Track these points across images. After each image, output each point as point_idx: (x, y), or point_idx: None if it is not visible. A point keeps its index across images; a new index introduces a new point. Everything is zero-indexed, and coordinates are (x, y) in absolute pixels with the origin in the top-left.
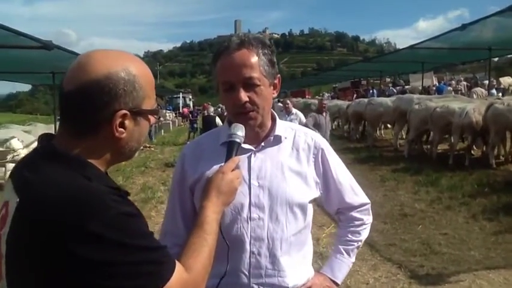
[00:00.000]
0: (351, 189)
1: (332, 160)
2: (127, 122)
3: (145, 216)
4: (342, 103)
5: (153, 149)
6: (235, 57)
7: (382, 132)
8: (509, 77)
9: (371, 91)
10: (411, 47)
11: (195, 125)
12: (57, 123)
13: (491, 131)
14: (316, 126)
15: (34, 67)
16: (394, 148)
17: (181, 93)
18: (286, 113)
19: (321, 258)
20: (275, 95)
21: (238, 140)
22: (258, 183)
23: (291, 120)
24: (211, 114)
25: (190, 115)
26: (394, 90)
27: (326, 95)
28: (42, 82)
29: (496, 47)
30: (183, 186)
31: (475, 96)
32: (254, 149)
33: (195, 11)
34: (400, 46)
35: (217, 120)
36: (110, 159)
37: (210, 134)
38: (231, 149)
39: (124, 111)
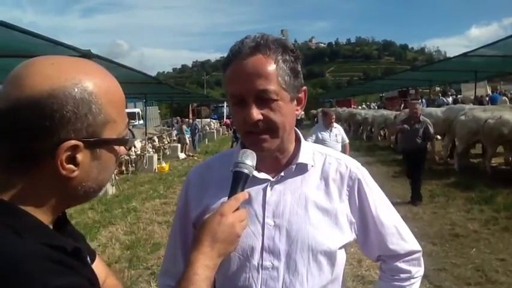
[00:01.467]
0: (397, 232)
1: (372, 194)
2: (80, 156)
3: None
4: (389, 113)
5: (196, 158)
6: (248, 64)
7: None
8: None
9: (420, 101)
10: (464, 54)
11: (238, 135)
12: None
13: None
14: (404, 134)
15: None
16: (444, 161)
17: (225, 103)
18: (328, 126)
19: (362, 283)
20: (299, 112)
21: (245, 171)
22: (274, 222)
23: (335, 136)
24: None
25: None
26: (444, 100)
27: (372, 104)
28: None
29: None
30: (185, 220)
31: None
32: (271, 179)
33: (243, 21)
34: (450, 54)
35: None
36: (57, 205)
37: (221, 157)
38: (236, 182)
39: (74, 142)
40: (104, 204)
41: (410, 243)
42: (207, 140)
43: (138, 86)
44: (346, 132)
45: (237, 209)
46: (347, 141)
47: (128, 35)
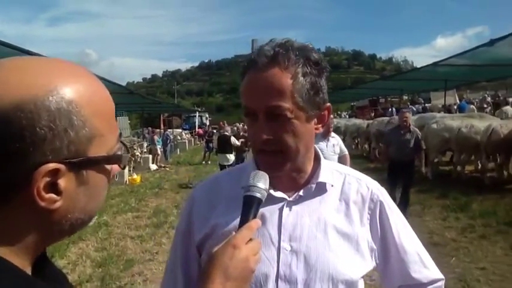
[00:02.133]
0: (419, 259)
1: (394, 218)
2: (62, 182)
3: (156, 243)
4: (361, 122)
5: (168, 169)
6: (261, 77)
7: None
8: None
9: (390, 109)
10: (434, 64)
11: (211, 145)
12: None
13: None
14: (393, 145)
15: None
16: (418, 169)
17: (197, 112)
18: (325, 136)
19: None
20: (319, 130)
21: (258, 195)
22: (291, 246)
23: (332, 146)
24: (227, 133)
25: (206, 135)
26: (414, 109)
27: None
28: None
29: None
30: (188, 243)
31: (504, 116)
32: (288, 199)
33: (214, 30)
34: (417, 64)
35: (233, 139)
36: (37, 243)
37: (230, 173)
38: (247, 207)
39: (53, 165)
40: None
41: (433, 271)
42: (178, 150)
43: None
44: None
45: (250, 239)
46: (346, 152)
47: (97, 44)
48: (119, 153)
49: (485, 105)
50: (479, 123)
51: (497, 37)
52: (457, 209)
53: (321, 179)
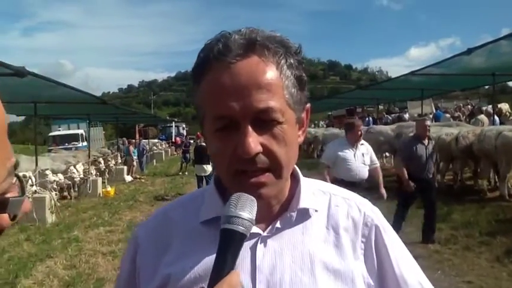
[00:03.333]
0: None
1: (392, 244)
2: None
3: None
4: (339, 131)
5: (143, 180)
6: (240, 70)
7: (385, 160)
8: (505, 104)
9: (367, 119)
10: (411, 73)
11: (188, 155)
12: (38, 156)
13: (501, 160)
14: (414, 160)
15: (13, 96)
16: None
17: (174, 123)
18: (353, 142)
19: None
20: (301, 139)
21: (241, 229)
22: None
23: (362, 156)
24: (204, 144)
25: (183, 145)
26: (390, 118)
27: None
28: (26, 113)
29: (500, 72)
30: None
31: (480, 124)
32: (262, 234)
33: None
34: (392, 74)
35: None
36: None
37: (183, 203)
38: (226, 246)
39: None
40: (42, 234)
41: None
42: (155, 161)
43: (80, 106)
44: None
45: None
46: (377, 163)
47: (71, 54)
48: (8, 195)
49: (459, 114)
50: (454, 130)
51: (474, 46)
52: (439, 219)
53: (302, 203)
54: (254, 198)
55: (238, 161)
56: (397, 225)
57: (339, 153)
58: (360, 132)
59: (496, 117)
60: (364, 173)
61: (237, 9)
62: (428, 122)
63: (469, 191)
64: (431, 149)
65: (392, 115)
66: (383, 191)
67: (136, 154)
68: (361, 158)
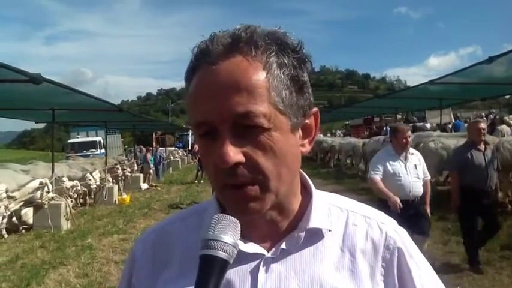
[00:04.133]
0: None
1: (418, 270)
2: None
3: None
4: (356, 141)
5: (159, 188)
6: (219, 71)
7: None
8: None
9: (384, 128)
10: (430, 82)
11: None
12: (55, 162)
13: None
14: (471, 170)
15: (32, 103)
16: None
17: (190, 131)
18: (400, 151)
19: None
20: (306, 148)
21: (222, 255)
22: None
23: (414, 168)
24: None
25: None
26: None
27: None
28: (45, 120)
29: None
30: None
31: (501, 135)
32: (266, 255)
33: None
34: (410, 83)
35: None
36: None
37: (185, 218)
38: (205, 275)
39: None
40: (56, 241)
41: None
42: (171, 169)
43: (97, 113)
44: (312, 160)
45: None
46: (429, 176)
47: (92, 63)
48: None
49: None
50: None
51: (496, 54)
52: (458, 232)
53: (313, 223)
54: (237, 220)
55: (219, 172)
56: (473, 256)
57: (388, 164)
58: (404, 140)
59: None
60: (418, 188)
61: (256, 18)
62: (483, 125)
63: None
64: (490, 155)
65: (410, 124)
66: (428, 208)
67: (153, 162)
68: (415, 171)
